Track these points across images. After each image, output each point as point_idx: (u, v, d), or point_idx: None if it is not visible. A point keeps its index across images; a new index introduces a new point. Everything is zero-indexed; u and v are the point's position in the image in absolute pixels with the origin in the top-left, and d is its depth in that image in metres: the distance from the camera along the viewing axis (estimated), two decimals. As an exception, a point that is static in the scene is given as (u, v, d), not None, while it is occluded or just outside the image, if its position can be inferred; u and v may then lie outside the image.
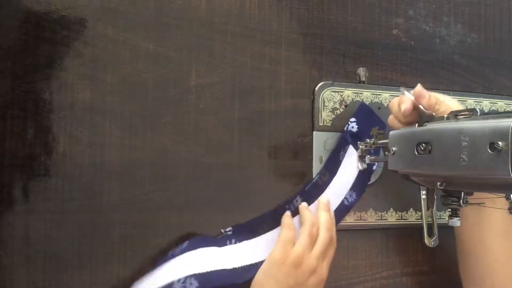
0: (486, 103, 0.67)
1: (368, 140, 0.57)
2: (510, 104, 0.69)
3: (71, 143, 0.49)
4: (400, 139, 0.50)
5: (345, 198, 0.56)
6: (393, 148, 0.50)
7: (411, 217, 0.62)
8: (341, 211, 0.57)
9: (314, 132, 0.58)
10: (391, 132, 0.51)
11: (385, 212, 0.60)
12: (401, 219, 0.61)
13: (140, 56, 0.52)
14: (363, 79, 0.60)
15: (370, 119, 0.59)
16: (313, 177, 0.57)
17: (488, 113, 0.63)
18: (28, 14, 0.48)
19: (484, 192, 0.45)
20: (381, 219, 0.60)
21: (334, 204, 0.56)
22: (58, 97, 0.49)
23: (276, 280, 0.48)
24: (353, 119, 0.58)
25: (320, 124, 0.58)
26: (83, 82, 0.50)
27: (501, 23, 0.69)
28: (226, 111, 0.55)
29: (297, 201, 0.56)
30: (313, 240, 0.50)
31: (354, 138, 0.57)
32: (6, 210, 0.47)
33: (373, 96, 0.61)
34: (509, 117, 0.38)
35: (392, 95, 0.62)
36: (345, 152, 0.57)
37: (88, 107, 0.50)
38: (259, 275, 0.49)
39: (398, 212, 0.61)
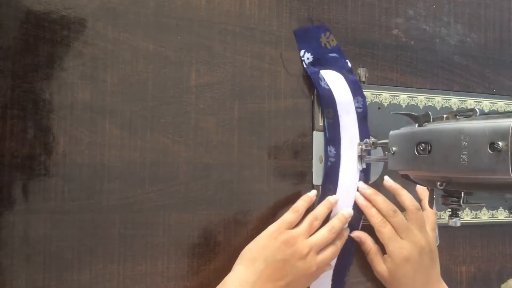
0: (486, 103, 0.67)
1: (367, 140, 0.57)
2: (510, 104, 0.69)
3: (71, 143, 0.49)
4: (400, 139, 0.50)
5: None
6: (393, 148, 0.50)
7: (411, 217, 0.61)
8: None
9: (314, 132, 0.58)
10: (391, 132, 0.51)
11: (385, 212, 0.60)
12: (401, 219, 0.61)
13: (140, 56, 0.52)
14: (363, 79, 0.60)
15: (311, 35, 0.58)
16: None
17: (488, 113, 0.63)
18: (28, 14, 0.48)
19: (484, 192, 0.45)
20: (381, 219, 0.60)
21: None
22: (58, 97, 0.49)
23: (265, 251, 0.49)
24: (301, 51, 0.58)
25: (320, 124, 0.58)
26: (83, 82, 0.50)
27: (501, 23, 0.69)
28: (226, 111, 0.55)
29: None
30: (311, 231, 0.52)
31: (317, 62, 0.58)
32: (6, 210, 0.47)
33: (373, 96, 0.61)
34: (509, 117, 0.39)
35: (392, 95, 0.62)
36: (324, 80, 0.56)
37: (88, 107, 0.50)
38: (251, 243, 0.51)
39: (398, 212, 0.61)
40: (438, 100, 0.64)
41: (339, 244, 0.54)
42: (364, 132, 0.58)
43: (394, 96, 0.62)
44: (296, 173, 0.57)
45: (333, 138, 0.57)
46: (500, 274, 0.66)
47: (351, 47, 0.61)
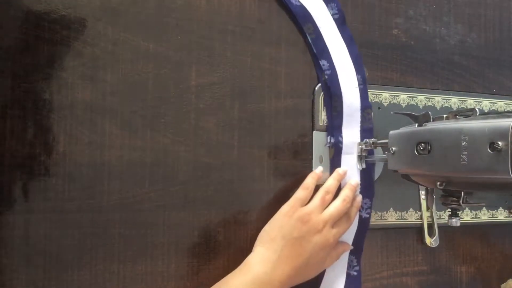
0: (486, 103, 0.67)
1: (367, 140, 0.57)
2: (510, 104, 0.69)
3: (71, 143, 0.49)
4: (400, 139, 0.50)
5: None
6: (393, 148, 0.50)
7: (411, 217, 0.62)
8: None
9: (314, 132, 0.58)
10: (391, 132, 0.51)
11: (385, 212, 0.60)
12: (401, 219, 0.61)
13: (140, 56, 0.52)
14: (363, 79, 0.60)
15: None
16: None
17: (488, 113, 0.63)
18: (28, 14, 0.48)
19: (484, 192, 0.45)
20: (381, 219, 0.60)
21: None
22: (58, 97, 0.49)
23: (282, 230, 0.50)
24: None
25: (320, 124, 0.58)
26: (83, 82, 0.50)
27: (501, 23, 0.69)
28: (226, 111, 0.55)
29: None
30: (324, 205, 0.52)
31: None
32: (6, 210, 0.47)
33: (373, 96, 0.61)
34: (509, 117, 0.39)
35: (392, 95, 0.62)
36: None
37: (88, 107, 0.50)
38: (268, 225, 0.52)
39: (398, 212, 0.61)
40: (438, 100, 0.64)
41: (353, 212, 0.55)
42: (346, 35, 0.59)
43: (394, 96, 0.62)
44: (296, 173, 0.57)
45: (322, 51, 0.57)
46: (500, 274, 0.66)
47: (351, 47, 0.61)
